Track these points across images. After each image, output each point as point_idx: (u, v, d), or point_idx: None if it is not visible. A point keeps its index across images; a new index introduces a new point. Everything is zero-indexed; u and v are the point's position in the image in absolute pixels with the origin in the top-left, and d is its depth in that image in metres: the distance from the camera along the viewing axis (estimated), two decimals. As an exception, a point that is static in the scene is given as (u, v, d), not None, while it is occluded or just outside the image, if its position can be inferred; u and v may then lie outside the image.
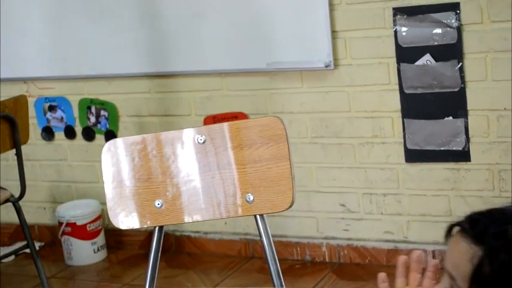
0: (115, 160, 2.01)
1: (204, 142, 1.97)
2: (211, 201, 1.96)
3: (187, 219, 1.98)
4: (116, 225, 2.02)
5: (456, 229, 1.32)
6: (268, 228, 1.93)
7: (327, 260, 3.59)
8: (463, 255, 1.27)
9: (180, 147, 1.98)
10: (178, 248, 3.91)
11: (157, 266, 1.99)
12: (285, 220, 3.62)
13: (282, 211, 1.91)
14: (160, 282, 3.45)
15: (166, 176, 1.99)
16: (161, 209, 1.99)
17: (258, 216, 1.93)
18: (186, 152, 1.98)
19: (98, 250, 3.93)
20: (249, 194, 1.93)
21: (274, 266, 1.91)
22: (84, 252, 3.90)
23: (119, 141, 2.02)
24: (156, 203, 1.99)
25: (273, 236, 3.53)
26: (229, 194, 1.94)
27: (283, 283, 1.91)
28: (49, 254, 4.09)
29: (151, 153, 1.99)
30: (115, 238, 4.01)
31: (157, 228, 1.99)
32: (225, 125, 1.94)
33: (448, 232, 1.33)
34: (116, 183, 2.01)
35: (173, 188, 1.98)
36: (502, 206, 1.32)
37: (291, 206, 1.90)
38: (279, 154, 1.90)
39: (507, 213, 1.29)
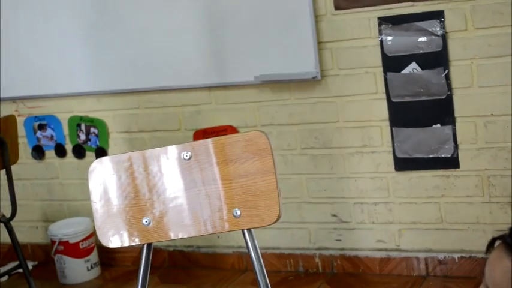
0: (102, 179, 2.01)
1: (189, 158, 1.97)
2: (198, 218, 1.96)
3: (174, 236, 1.98)
4: (105, 244, 2.01)
5: (498, 242, 1.23)
6: (256, 242, 1.93)
7: (320, 270, 3.59)
8: (506, 274, 1.18)
9: (166, 164, 1.98)
10: (172, 263, 3.91)
11: (147, 284, 1.99)
12: (277, 232, 3.62)
13: (269, 225, 1.91)
14: (154, 298, 3.45)
15: (153, 193, 1.99)
16: (149, 227, 1.99)
17: (245, 231, 1.93)
18: (172, 169, 1.98)
19: (92, 268, 3.93)
20: (236, 209, 1.93)
21: (263, 280, 1.92)
22: (77, 270, 3.89)
23: (105, 160, 2.02)
24: (144, 220, 1.99)
25: (265, 248, 3.60)
26: (215, 210, 1.94)
27: (272, 297, 1.91)
28: (42, 273, 4.08)
29: (137, 171, 1.99)
30: (108, 255, 4.01)
31: (145, 245, 1.99)
32: (210, 141, 1.94)
33: (490, 245, 1.24)
34: (104, 201, 2.00)
35: (160, 205, 1.98)
36: None
37: (278, 220, 1.90)
38: (264, 168, 1.90)
39: None
